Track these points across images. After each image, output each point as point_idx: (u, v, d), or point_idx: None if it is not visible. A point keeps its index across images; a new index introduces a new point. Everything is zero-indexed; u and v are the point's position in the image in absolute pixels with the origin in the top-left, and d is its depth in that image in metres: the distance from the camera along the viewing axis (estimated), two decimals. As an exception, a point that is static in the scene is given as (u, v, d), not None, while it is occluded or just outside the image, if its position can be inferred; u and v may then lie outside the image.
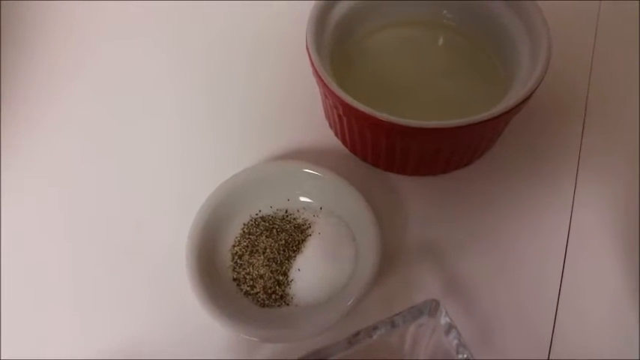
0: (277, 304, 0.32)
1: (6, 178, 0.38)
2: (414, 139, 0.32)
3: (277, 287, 0.32)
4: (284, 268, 0.32)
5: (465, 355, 0.24)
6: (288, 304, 0.32)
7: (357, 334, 0.24)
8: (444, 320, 0.24)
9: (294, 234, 0.33)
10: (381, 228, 0.33)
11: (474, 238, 0.35)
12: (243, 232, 0.34)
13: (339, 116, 0.34)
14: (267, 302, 0.32)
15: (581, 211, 0.36)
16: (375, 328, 0.24)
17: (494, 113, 0.31)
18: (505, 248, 0.35)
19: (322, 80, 0.33)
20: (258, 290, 0.32)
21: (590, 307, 0.33)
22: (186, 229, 0.33)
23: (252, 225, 0.34)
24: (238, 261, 0.33)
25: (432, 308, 0.24)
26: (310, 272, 0.32)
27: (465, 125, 0.31)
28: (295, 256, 0.33)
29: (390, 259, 0.34)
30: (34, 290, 0.34)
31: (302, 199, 0.35)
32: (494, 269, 0.34)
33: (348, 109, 0.32)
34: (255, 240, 0.33)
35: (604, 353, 0.31)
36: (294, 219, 0.34)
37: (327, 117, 0.39)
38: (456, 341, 0.24)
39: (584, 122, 0.40)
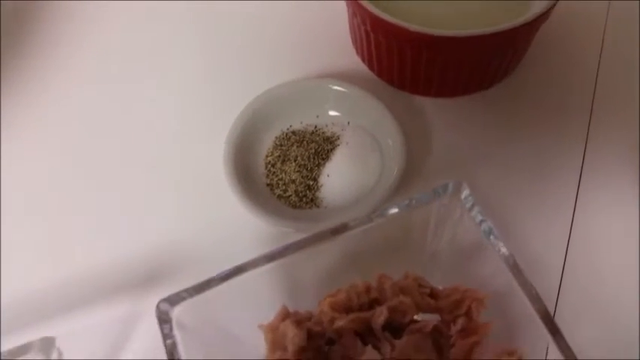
0: (308, 206, 0.32)
1: (53, 82, 0.39)
2: (439, 51, 0.32)
3: (308, 191, 0.32)
4: (314, 174, 0.33)
5: (492, 237, 0.23)
6: (318, 207, 0.32)
7: (375, 210, 0.24)
8: (467, 197, 0.24)
9: (323, 144, 0.33)
10: (406, 141, 0.33)
11: (493, 156, 0.35)
12: (275, 144, 0.34)
13: (367, 33, 0.34)
14: (298, 204, 0.32)
15: (595, 134, 0.35)
16: (395, 205, 0.24)
17: (514, 24, 0.30)
18: (522, 163, 0.34)
19: (351, -4, 0.32)
20: (290, 194, 0.32)
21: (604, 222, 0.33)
22: (223, 139, 0.33)
23: (283, 138, 0.34)
24: (271, 169, 0.33)
25: (455, 187, 0.24)
26: (339, 178, 0.32)
27: (487, 34, 0.30)
28: (324, 164, 0.33)
29: (413, 170, 0.34)
30: (90, 193, 0.35)
31: (330, 114, 0.35)
32: (513, 181, 0.34)
33: (376, 22, 0.32)
34: (287, 150, 0.34)
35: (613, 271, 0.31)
36: (323, 132, 0.34)
37: (354, 41, 0.38)
38: (479, 216, 0.24)
39: (600, 54, 0.39)
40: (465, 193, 0.24)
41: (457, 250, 0.26)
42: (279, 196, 0.33)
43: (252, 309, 0.25)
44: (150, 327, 0.29)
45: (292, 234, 0.31)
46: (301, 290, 0.27)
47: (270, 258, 0.24)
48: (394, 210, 0.24)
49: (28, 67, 0.40)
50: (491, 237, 0.23)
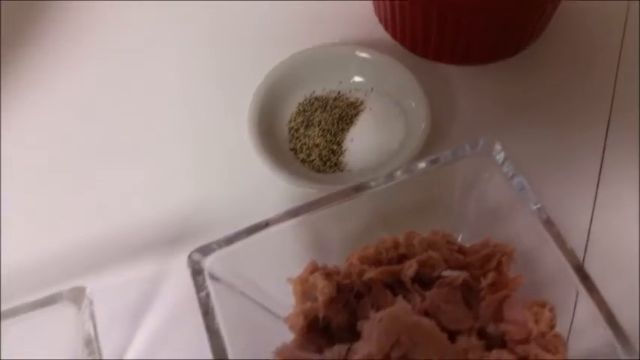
0: (332, 170, 0.32)
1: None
2: (465, 13, 0.31)
3: (332, 156, 0.32)
4: (338, 138, 0.32)
5: (524, 192, 0.23)
6: (342, 171, 0.32)
7: (396, 170, 0.24)
8: (499, 153, 0.23)
9: (347, 109, 0.33)
10: (430, 104, 0.32)
11: (517, 122, 0.34)
12: (299, 110, 0.34)
13: (391, -1, 0.34)
14: (322, 169, 0.32)
15: (620, 98, 0.35)
16: (423, 160, 0.24)
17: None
18: (547, 129, 0.34)
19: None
20: (314, 158, 0.32)
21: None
22: (248, 104, 0.33)
23: (306, 104, 0.34)
24: (295, 134, 0.33)
25: (486, 144, 0.24)
26: (363, 142, 0.32)
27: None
28: (348, 128, 0.32)
29: (437, 137, 0.33)
30: (119, 155, 0.35)
31: (353, 80, 0.35)
32: (538, 147, 0.33)
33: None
34: (311, 115, 0.33)
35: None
36: (347, 98, 0.34)
37: (378, 9, 0.38)
38: (511, 171, 0.23)
39: (625, 25, 0.38)
40: (497, 148, 0.23)
41: (485, 210, 0.26)
42: (303, 161, 0.32)
43: (280, 266, 0.25)
44: (177, 286, 0.29)
45: (316, 195, 0.31)
46: (328, 249, 0.26)
47: (295, 213, 0.24)
48: (421, 165, 0.24)
49: (38, 35, 0.40)
50: (524, 192, 0.23)
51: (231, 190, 0.32)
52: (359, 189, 0.24)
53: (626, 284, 0.30)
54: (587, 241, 0.30)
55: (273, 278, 0.25)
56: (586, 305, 0.22)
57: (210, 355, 0.22)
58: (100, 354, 0.21)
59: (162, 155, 0.34)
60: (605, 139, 0.34)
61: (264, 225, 0.24)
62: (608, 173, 0.33)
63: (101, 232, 0.31)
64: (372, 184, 0.24)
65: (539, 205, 0.22)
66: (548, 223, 0.22)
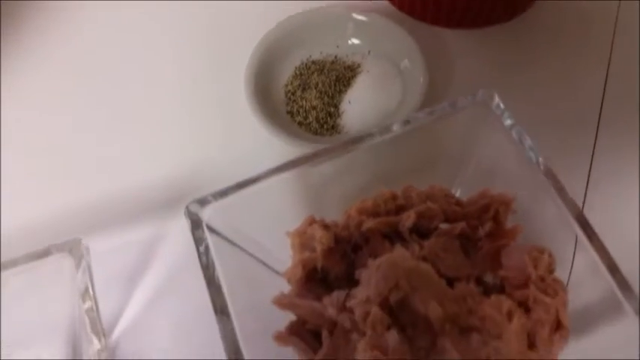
0: (329, 133, 0.32)
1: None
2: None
3: (329, 118, 0.32)
4: (335, 100, 0.32)
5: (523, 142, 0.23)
6: (339, 133, 0.32)
7: (394, 122, 0.24)
8: (497, 105, 0.23)
9: (344, 72, 0.33)
10: (427, 64, 0.32)
11: (514, 85, 0.34)
12: (295, 73, 0.34)
13: (389, -40, 0.33)
14: (319, 131, 0.32)
15: (616, 63, 0.34)
16: (420, 111, 0.24)
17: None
18: (544, 93, 0.34)
19: None
20: (311, 120, 0.32)
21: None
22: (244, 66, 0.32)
23: (303, 67, 0.34)
24: (291, 97, 0.33)
25: (484, 96, 0.23)
26: (360, 104, 0.32)
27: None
28: (346, 90, 0.32)
29: (435, 97, 0.33)
30: (115, 121, 0.34)
31: (351, 43, 0.34)
32: (535, 111, 0.33)
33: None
34: (307, 79, 0.33)
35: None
36: (344, 62, 0.34)
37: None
38: (510, 121, 0.23)
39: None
40: (496, 99, 0.23)
41: (483, 164, 0.26)
42: (300, 123, 0.32)
43: (277, 221, 0.25)
44: (175, 246, 0.29)
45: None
46: (326, 206, 0.26)
47: (289, 166, 0.24)
48: (419, 115, 0.24)
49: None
50: (523, 142, 0.22)
51: (229, 153, 0.32)
52: (356, 141, 0.24)
53: (624, 242, 0.29)
54: (585, 197, 0.30)
55: (271, 233, 0.24)
56: (585, 257, 0.22)
57: (205, 311, 0.21)
58: (96, 303, 0.21)
59: (159, 118, 0.34)
60: (602, 100, 0.34)
61: (257, 177, 0.23)
62: (604, 131, 0.32)
63: (99, 195, 0.31)
64: (369, 134, 0.24)
65: (538, 155, 0.22)
66: (548, 173, 0.22)
